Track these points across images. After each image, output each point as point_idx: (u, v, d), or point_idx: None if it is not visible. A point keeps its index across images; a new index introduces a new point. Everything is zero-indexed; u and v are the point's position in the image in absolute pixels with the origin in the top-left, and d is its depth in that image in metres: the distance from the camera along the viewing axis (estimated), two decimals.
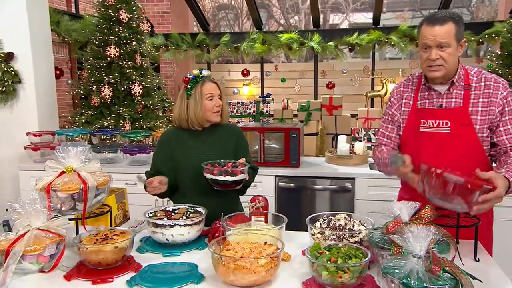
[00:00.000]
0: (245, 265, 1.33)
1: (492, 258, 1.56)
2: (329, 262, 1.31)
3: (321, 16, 10.35)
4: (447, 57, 1.64)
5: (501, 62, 3.71)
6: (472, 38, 5.37)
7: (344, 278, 1.28)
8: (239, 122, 4.59)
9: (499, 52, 3.78)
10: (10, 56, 3.71)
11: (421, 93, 1.80)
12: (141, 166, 3.34)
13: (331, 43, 6.05)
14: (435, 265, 1.16)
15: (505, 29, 3.74)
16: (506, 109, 1.70)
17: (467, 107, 1.70)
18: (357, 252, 1.37)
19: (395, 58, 7.52)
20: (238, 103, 4.92)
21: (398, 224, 1.40)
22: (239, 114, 4.88)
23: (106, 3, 4.30)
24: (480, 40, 5.28)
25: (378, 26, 6.46)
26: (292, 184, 3.18)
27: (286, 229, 1.67)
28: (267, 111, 4.85)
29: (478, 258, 1.53)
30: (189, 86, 1.99)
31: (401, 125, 1.84)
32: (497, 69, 3.74)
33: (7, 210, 4.04)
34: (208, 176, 1.83)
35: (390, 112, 1.90)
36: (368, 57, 7.07)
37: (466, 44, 1.64)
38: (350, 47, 6.01)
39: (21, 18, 3.67)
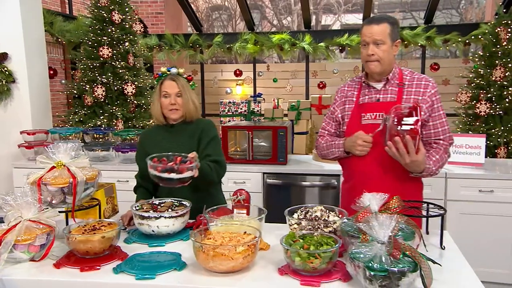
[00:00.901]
0: (223, 252, 1.42)
1: (456, 246, 1.66)
2: (301, 249, 1.40)
3: (314, 17, 10.47)
4: (381, 53, 1.84)
5: (483, 63, 3.82)
6: (459, 39, 5.49)
7: (315, 263, 1.37)
8: (230, 121, 4.68)
9: (481, 53, 3.89)
10: (4, 56, 3.78)
11: (362, 91, 1.98)
12: (133, 164, 3.40)
13: (322, 43, 6.14)
14: (396, 250, 1.26)
15: (487, 30, 3.86)
16: (435, 106, 1.89)
17: (400, 102, 1.87)
18: (329, 240, 1.47)
19: None
20: (229, 102, 5.01)
21: (367, 213, 1.50)
22: (231, 113, 4.98)
23: (99, 4, 4.38)
24: (467, 41, 5.40)
25: None
26: (280, 181, 3.27)
27: (271, 223, 1.76)
28: (258, 111, 4.95)
29: (444, 246, 1.63)
30: (155, 82, 2.13)
31: (345, 120, 2.00)
32: (479, 70, 3.85)
33: (0, 208, 4.11)
34: (152, 172, 1.73)
35: (332, 109, 2.09)
36: (359, 57, 7.18)
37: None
38: (340, 48, 6.11)
39: (15, 19, 3.74)
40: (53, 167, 1.74)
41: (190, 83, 2.15)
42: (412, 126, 1.71)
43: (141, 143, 2.20)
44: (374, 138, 1.86)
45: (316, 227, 1.60)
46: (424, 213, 1.71)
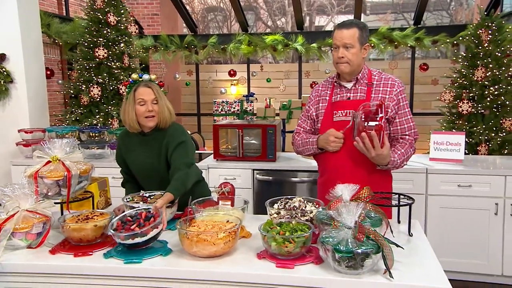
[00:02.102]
0: (206, 238, 1.54)
1: (424, 233, 1.78)
2: (277, 235, 1.53)
3: (307, 18, 10.59)
4: (351, 56, 1.97)
5: (466, 63, 3.96)
6: (448, 40, 5.62)
7: (289, 247, 1.50)
8: (223, 120, 4.80)
9: (464, 54, 4.02)
10: (2, 57, 3.89)
11: (334, 90, 2.11)
12: None
13: (314, 44, 6.28)
14: (360, 233, 1.38)
15: (469, 32, 3.99)
16: (401, 104, 2.03)
17: (369, 100, 2.00)
18: (304, 227, 1.59)
19: (378, 59, 7.78)
20: (222, 102, 5.14)
21: (339, 202, 1.62)
22: (224, 112, 5.10)
23: (95, 6, 4.50)
24: (455, 42, 5.53)
25: None
26: (269, 177, 3.39)
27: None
28: (250, 110, 5.07)
29: (412, 233, 1.76)
30: (127, 90, 2.05)
31: (319, 118, 2.13)
32: (462, 70, 3.99)
33: (0, 205, 4.22)
34: (117, 240, 1.59)
35: (307, 107, 2.22)
36: None
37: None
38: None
39: (13, 20, 3.85)
40: (49, 162, 1.86)
41: (162, 89, 2.12)
42: (377, 122, 1.84)
43: (119, 145, 2.20)
44: (345, 134, 1.99)
45: (294, 216, 1.72)
46: (395, 203, 1.84)
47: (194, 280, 1.51)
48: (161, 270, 1.52)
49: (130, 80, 2.05)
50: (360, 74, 2.05)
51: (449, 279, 1.38)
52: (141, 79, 2.04)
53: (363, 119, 1.87)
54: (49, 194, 1.85)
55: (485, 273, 3.05)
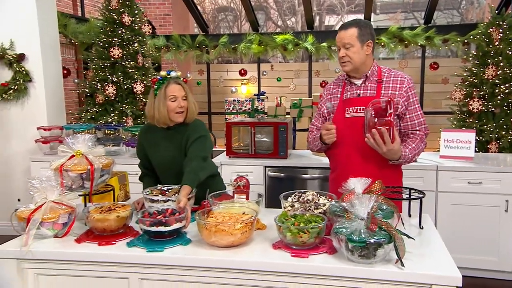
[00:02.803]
0: (224, 228, 1.61)
1: (434, 226, 1.83)
2: (292, 225, 1.59)
3: (317, 17, 10.62)
4: (351, 54, 2.02)
5: (476, 62, 3.98)
6: (458, 39, 5.63)
7: (304, 238, 1.56)
8: (235, 118, 4.88)
9: (475, 53, 4.04)
10: (21, 57, 4.02)
11: (346, 87, 2.17)
12: None
13: (324, 43, 6.33)
14: (373, 224, 1.44)
15: (480, 31, 4.01)
16: (411, 100, 2.07)
17: (379, 96, 2.05)
18: (317, 218, 1.66)
19: (388, 58, 7.78)
20: (234, 100, 5.22)
21: (352, 195, 1.68)
22: (235, 111, 5.18)
23: (110, 7, 4.61)
24: (466, 41, 5.53)
25: None
26: (281, 174, 3.46)
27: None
28: (261, 108, 5.14)
29: (422, 226, 1.81)
30: (155, 86, 2.11)
31: (330, 115, 2.20)
32: (473, 68, 4.01)
33: (19, 200, 4.37)
34: (142, 227, 1.70)
35: (319, 105, 2.29)
36: None
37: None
38: None
39: (32, 21, 3.98)
40: (73, 156, 1.95)
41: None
42: (387, 119, 1.90)
43: (140, 140, 2.28)
44: (353, 131, 2.04)
45: (308, 208, 1.79)
46: (406, 197, 1.89)
47: (213, 268, 1.58)
48: (182, 259, 1.59)
49: (159, 77, 2.13)
50: (369, 72, 2.10)
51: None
52: (169, 76, 2.12)
53: (373, 116, 1.93)
54: (73, 187, 1.94)
55: (495, 270, 3.08)
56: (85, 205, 2.00)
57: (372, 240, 1.42)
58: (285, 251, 1.59)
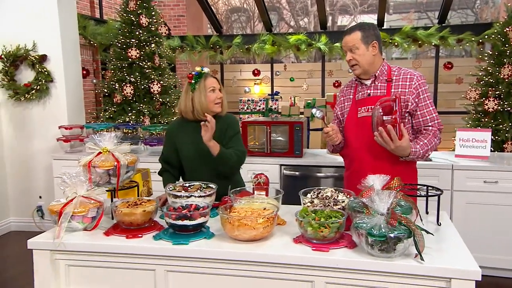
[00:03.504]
0: (246, 223, 1.67)
1: (451, 223, 1.87)
2: (313, 220, 1.65)
3: (330, 18, 10.63)
4: (357, 57, 2.09)
5: (492, 61, 3.97)
6: (473, 39, 5.61)
7: (325, 232, 1.61)
8: (249, 118, 4.94)
9: (490, 52, 4.04)
10: (43, 58, 4.14)
11: (357, 89, 2.23)
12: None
13: (337, 44, 6.35)
14: (392, 219, 1.49)
15: (495, 30, 4.01)
16: (421, 96, 2.10)
17: (389, 95, 2.09)
18: (337, 214, 1.70)
19: (401, 58, 7.77)
20: (248, 100, 5.28)
21: (371, 191, 1.72)
22: (249, 110, 5.24)
23: (128, 8, 4.71)
24: (480, 40, 5.51)
25: (382, 27, 6.73)
26: (296, 172, 3.51)
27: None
28: (275, 108, 5.19)
29: (440, 223, 1.84)
30: (193, 81, 2.28)
31: (344, 116, 2.26)
32: (488, 68, 4.00)
33: (40, 197, 4.51)
34: (167, 220, 1.78)
35: (335, 108, 2.37)
36: None
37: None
38: None
39: (53, 23, 4.10)
40: (100, 153, 2.03)
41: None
42: (393, 116, 1.94)
43: (170, 135, 2.39)
44: (364, 129, 2.10)
45: (327, 204, 1.84)
46: (424, 194, 1.93)
47: (236, 261, 1.64)
48: (206, 251, 1.65)
49: (195, 72, 2.28)
50: (378, 71, 2.14)
51: None
52: (203, 72, 2.28)
53: (381, 114, 1.97)
54: (100, 182, 2.01)
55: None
56: (112, 200, 2.08)
57: (392, 235, 1.47)
58: (306, 245, 1.64)
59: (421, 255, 1.48)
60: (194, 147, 2.29)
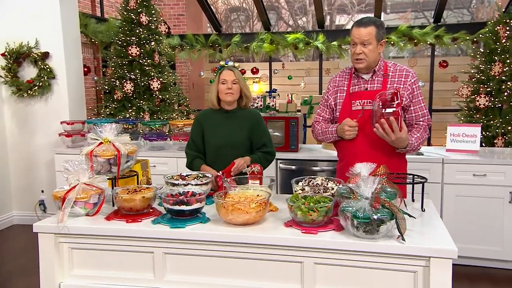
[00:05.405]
0: (240, 207, 1.77)
1: (435, 209, 1.97)
2: (303, 205, 1.74)
3: (328, 17, 10.72)
4: (368, 52, 2.13)
5: (483, 59, 4.07)
6: (467, 38, 5.70)
7: (314, 216, 1.71)
8: None
9: (482, 50, 4.13)
10: (46, 55, 4.24)
11: (352, 81, 2.28)
12: (160, 151, 3.82)
13: (335, 42, 6.45)
14: (376, 202, 1.59)
15: (487, 29, 4.10)
16: (415, 93, 2.19)
17: (385, 89, 2.17)
18: (326, 199, 1.80)
19: (398, 56, 7.86)
20: None
21: (358, 177, 1.82)
22: None
23: (128, 7, 4.81)
24: (475, 39, 5.60)
25: None
26: (292, 166, 3.61)
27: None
28: (273, 105, 5.28)
29: (424, 209, 1.94)
30: (215, 74, 2.49)
31: (337, 107, 2.31)
32: (480, 65, 4.10)
33: (42, 191, 4.60)
34: (165, 205, 1.87)
35: (325, 97, 2.39)
36: None
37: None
38: None
39: (55, 21, 4.20)
40: (101, 143, 2.13)
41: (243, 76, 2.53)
42: (395, 109, 2.03)
43: (199, 122, 2.54)
44: (361, 122, 2.18)
45: (317, 191, 1.93)
46: (409, 182, 2.03)
47: (230, 243, 1.73)
48: (202, 234, 1.75)
49: (218, 66, 2.46)
50: (377, 67, 2.22)
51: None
52: (226, 65, 2.44)
53: (381, 107, 2.06)
54: (101, 171, 2.11)
55: (500, 259, 3.18)
56: (112, 188, 2.18)
57: (375, 217, 1.56)
58: (296, 228, 1.74)
59: (402, 236, 1.57)
60: (222, 134, 2.45)
